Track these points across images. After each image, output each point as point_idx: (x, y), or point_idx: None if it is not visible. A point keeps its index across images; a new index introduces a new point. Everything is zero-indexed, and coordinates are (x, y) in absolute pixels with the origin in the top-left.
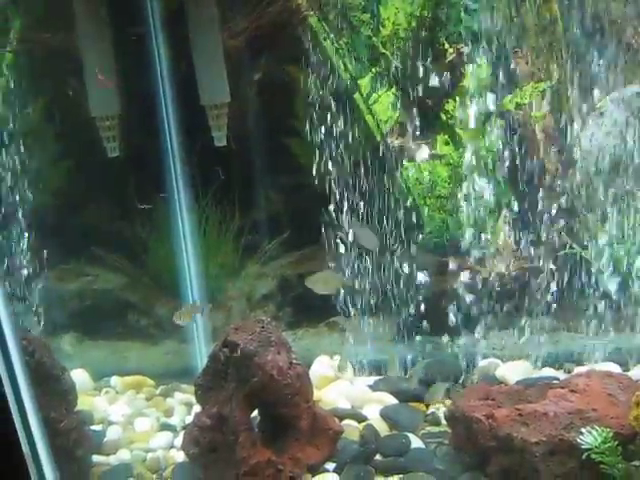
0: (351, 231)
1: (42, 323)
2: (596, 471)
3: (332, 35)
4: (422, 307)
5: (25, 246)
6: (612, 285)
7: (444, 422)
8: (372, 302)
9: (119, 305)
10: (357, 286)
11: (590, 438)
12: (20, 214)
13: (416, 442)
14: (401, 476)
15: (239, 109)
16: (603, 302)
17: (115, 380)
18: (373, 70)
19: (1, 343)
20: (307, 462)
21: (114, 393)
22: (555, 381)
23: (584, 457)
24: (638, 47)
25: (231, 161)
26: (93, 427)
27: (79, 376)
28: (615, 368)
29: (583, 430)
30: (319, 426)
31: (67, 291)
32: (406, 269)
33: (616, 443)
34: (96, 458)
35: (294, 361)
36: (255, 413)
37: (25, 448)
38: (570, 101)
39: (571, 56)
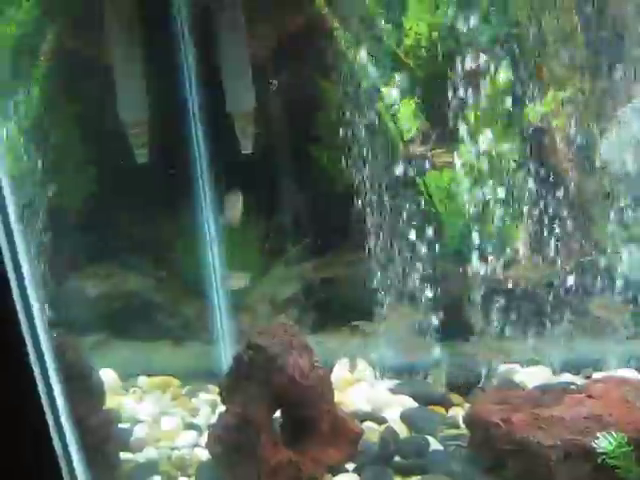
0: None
1: (71, 324)
2: (611, 476)
3: (356, 45)
4: (443, 312)
5: (54, 249)
6: (631, 292)
7: (463, 425)
8: (394, 307)
9: (146, 306)
10: (380, 290)
11: (605, 443)
12: (50, 217)
13: (435, 444)
14: (419, 477)
15: (264, 116)
16: (623, 309)
17: (142, 380)
18: (396, 79)
19: (35, 343)
20: (327, 462)
21: (141, 392)
22: (572, 387)
23: (599, 461)
24: None
25: (256, 167)
26: (121, 425)
27: (107, 376)
28: (634, 374)
29: (598, 435)
30: (340, 428)
31: (96, 292)
32: (427, 275)
33: (631, 448)
34: (124, 455)
35: (316, 364)
36: (277, 414)
37: (57, 445)
38: (590, 110)
39: (592, 66)
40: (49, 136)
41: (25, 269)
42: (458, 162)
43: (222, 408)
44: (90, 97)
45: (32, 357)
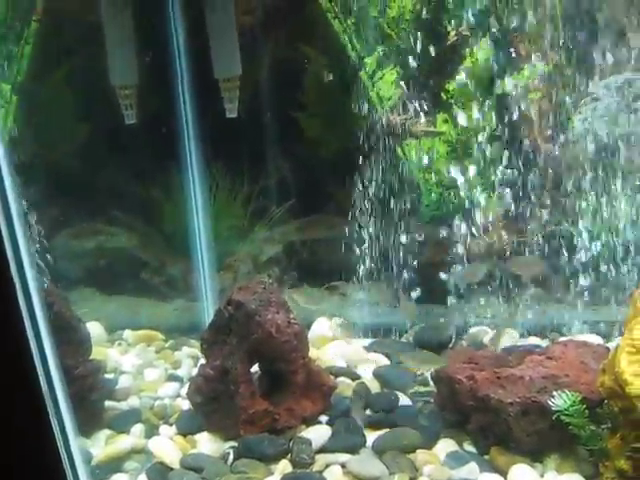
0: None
1: (59, 278)
2: (565, 432)
3: (341, 15)
4: (419, 276)
5: (44, 205)
6: (599, 260)
7: (432, 383)
8: (372, 269)
9: (133, 263)
10: (358, 253)
11: (560, 401)
12: (42, 174)
13: (404, 400)
14: (388, 430)
15: (250, 82)
16: (590, 276)
17: (127, 333)
18: (378, 50)
19: (25, 294)
20: (302, 414)
21: (126, 345)
22: (537, 349)
23: (554, 418)
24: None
25: (241, 132)
26: (106, 375)
27: (94, 329)
28: (597, 339)
29: (554, 393)
30: (314, 381)
31: (84, 248)
32: (404, 240)
33: (584, 406)
34: (108, 403)
35: (292, 320)
36: (255, 368)
37: (44, 388)
38: (566, 85)
39: (568, 41)
40: (40, 94)
41: (16, 223)
42: (436, 131)
43: (203, 361)
44: (81, 57)
45: (23, 309)
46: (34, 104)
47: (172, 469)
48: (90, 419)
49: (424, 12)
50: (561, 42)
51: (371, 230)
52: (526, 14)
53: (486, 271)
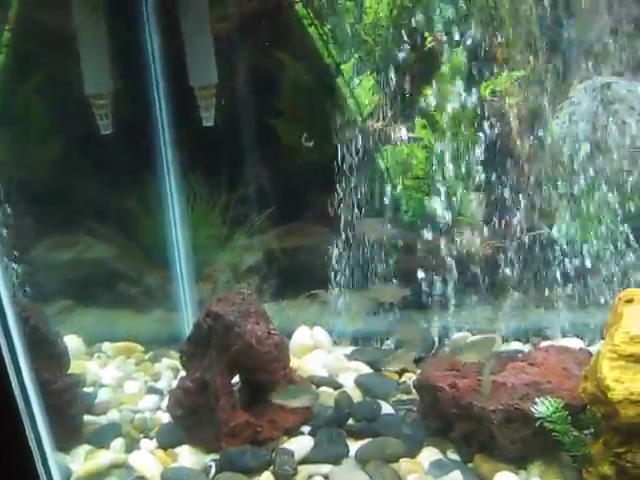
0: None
1: (37, 290)
2: (548, 438)
3: (317, 21)
4: (399, 282)
5: (20, 217)
6: (578, 264)
7: (414, 391)
8: (352, 277)
9: (111, 274)
10: (338, 261)
11: (543, 408)
12: (15, 185)
13: (387, 408)
14: (371, 439)
15: (226, 90)
16: (571, 279)
17: (106, 346)
18: (355, 56)
19: None
20: (284, 425)
21: (105, 358)
22: (519, 355)
23: (537, 425)
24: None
25: (218, 140)
26: (85, 389)
27: (73, 341)
28: (579, 343)
29: (537, 400)
30: None
31: (61, 260)
32: (384, 246)
33: (567, 413)
34: (87, 417)
35: (272, 331)
36: (236, 379)
37: (21, 405)
38: (544, 89)
39: (545, 46)
40: (14, 104)
41: None
42: (415, 137)
43: (183, 373)
44: (54, 67)
45: None
46: (8, 114)
47: None
48: (69, 434)
49: (401, 18)
50: (538, 46)
51: (350, 237)
52: (503, 19)
53: (404, 294)
